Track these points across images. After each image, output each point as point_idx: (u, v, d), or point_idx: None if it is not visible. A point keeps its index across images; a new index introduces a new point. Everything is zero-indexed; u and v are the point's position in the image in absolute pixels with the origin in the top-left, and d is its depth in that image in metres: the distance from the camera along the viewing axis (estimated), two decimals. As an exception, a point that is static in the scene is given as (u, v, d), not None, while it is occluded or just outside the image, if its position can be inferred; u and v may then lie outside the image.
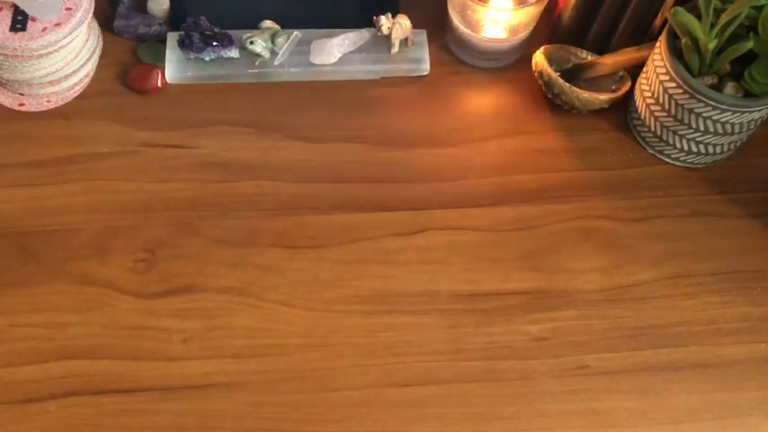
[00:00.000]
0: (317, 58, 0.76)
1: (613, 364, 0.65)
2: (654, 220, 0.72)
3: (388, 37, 0.76)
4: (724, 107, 0.67)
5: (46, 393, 0.62)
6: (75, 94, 0.76)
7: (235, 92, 0.77)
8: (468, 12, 0.75)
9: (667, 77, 0.69)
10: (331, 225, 0.70)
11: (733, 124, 0.69)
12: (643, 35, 0.76)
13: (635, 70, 0.76)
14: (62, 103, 0.75)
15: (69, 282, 0.66)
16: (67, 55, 0.73)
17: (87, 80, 0.76)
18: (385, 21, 0.75)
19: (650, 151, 0.75)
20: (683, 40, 0.67)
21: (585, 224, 0.71)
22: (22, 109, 0.75)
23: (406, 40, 0.78)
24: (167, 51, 0.76)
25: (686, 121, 0.70)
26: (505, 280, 0.68)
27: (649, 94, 0.72)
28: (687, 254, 0.70)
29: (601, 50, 0.78)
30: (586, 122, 0.77)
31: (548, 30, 0.81)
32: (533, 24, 0.77)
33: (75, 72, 0.75)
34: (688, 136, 0.71)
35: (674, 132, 0.72)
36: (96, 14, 0.76)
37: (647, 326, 0.67)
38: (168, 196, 0.71)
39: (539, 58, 0.76)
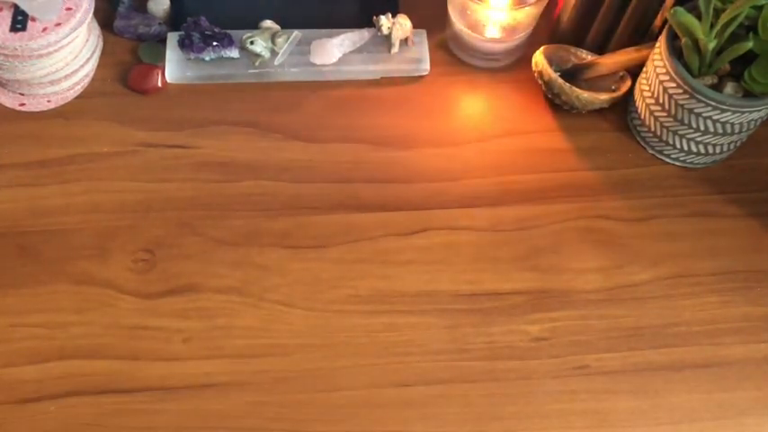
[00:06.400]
0: (317, 58, 0.76)
1: (613, 364, 0.65)
2: (654, 220, 0.72)
3: (388, 37, 0.76)
4: (724, 107, 0.67)
5: (46, 393, 0.62)
6: (76, 94, 0.76)
7: (235, 92, 0.77)
8: (468, 12, 0.75)
9: (667, 77, 0.69)
10: (331, 225, 0.70)
11: (733, 124, 0.69)
12: (643, 35, 0.76)
13: (635, 70, 0.76)
14: (62, 102, 0.75)
15: (69, 282, 0.66)
16: (68, 55, 0.73)
17: (87, 80, 0.76)
18: (385, 21, 0.75)
19: (650, 151, 0.75)
20: (683, 40, 0.67)
21: (585, 224, 0.71)
22: (23, 109, 0.75)
23: (406, 40, 0.78)
24: (167, 51, 0.77)
25: (686, 121, 0.70)
26: (505, 280, 0.68)
27: (649, 94, 0.72)
28: (687, 254, 0.70)
29: (601, 50, 0.78)
30: (586, 122, 0.77)
31: (547, 30, 0.81)
32: (533, 24, 0.77)
33: (75, 72, 0.75)
34: (688, 136, 0.71)
35: (674, 132, 0.72)
36: (96, 14, 0.76)
37: (647, 326, 0.67)
38: (168, 196, 0.71)
39: (538, 59, 0.76)
